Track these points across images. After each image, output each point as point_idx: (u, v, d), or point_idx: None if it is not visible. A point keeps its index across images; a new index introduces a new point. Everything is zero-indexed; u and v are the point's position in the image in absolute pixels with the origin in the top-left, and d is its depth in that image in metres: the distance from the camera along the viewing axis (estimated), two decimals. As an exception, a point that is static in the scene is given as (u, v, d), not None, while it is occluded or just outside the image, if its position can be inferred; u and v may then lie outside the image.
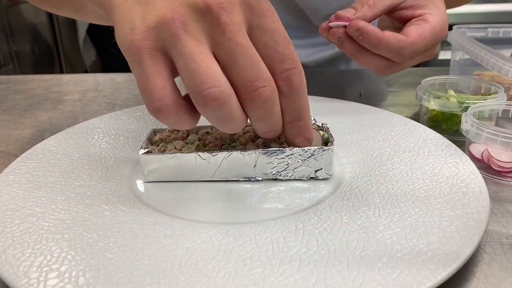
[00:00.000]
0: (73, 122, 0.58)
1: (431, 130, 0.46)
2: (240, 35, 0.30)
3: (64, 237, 0.31)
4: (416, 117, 0.55)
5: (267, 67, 0.32)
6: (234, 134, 0.41)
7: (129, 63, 0.32)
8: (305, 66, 0.85)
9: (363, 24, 0.44)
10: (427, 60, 0.51)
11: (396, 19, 0.51)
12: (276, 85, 0.32)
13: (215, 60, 0.30)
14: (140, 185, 0.39)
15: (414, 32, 0.46)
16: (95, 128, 0.49)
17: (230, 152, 0.38)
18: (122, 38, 0.31)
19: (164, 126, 0.44)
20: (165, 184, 0.39)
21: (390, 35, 0.45)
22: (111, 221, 0.33)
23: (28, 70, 2.03)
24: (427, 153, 0.42)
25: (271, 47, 0.32)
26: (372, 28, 0.45)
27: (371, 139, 0.45)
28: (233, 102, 0.30)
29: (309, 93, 0.58)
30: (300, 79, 0.33)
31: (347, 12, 0.46)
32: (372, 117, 0.50)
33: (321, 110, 0.53)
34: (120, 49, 0.32)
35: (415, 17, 0.49)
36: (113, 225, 0.32)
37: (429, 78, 0.53)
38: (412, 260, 0.28)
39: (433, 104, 0.49)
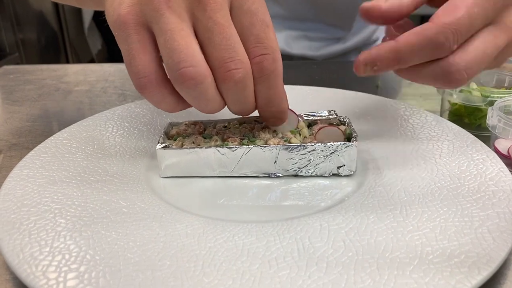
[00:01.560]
0: (85, 113, 0.57)
1: (454, 124, 0.44)
2: (220, 14, 0.30)
3: (82, 235, 0.30)
4: (436, 110, 0.54)
5: (245, 49, 0.31)
6: (253, 129, 0.40)
7: (116, 39, 0.32)
8: (312, 59, 0.84)
9: (366, 54, 0.33)
10: None
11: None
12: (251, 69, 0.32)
13: (195, 39, 0.31)
14: (157, 180, 0.38)
15: (444, 7, 0.32)
16: (108, 121, 0.48)
17: (250, 147, 0.36)
18: (110, 13, 0.32)
19: (180, 119, 0.43)
20: (182, 180, 0.38)
21: (407, 35, 0.32)
22: (129, 218, 0.32)
23: (34, 58, 2.02)
24: (452, 149, 0.40)
25: (247, 28, 0.31)
26: (380, 48, 0.33)
27: (392, 133, 0.44)
28: (209, 82, 0.31)
29: (324, 85, 0.57)
30: (274, 66, 0.32)
31: (376, 2, 0.34)
32: (392, 111, 0.49)
33: (338, 103, 0.51)
34: (109, 25, 0.33)
35: None
36: (132, 223, 0.31)
37: (451, 71, 0.52)
38: (444, 263, 0.27)
39: (455, 98, 0.48)
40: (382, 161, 0.39)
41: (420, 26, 0.32)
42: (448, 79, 0.32)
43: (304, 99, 0.53)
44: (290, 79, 0.57)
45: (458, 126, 0.44)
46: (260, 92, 0.33)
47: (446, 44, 0.31)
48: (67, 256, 0.28)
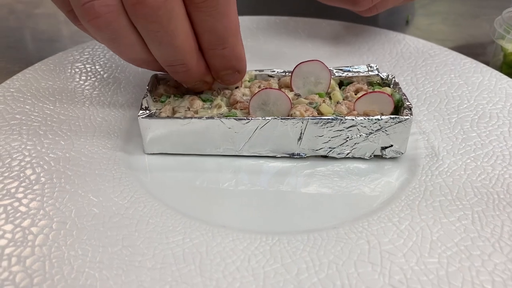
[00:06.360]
0: (46, 49, 0.45)
1: (518, 84, 0.35)
2: None
3: (36, 255, 0.21)
4: (482, 56, 0.44)
5: None
6: (269, 86, 0.30)
7: None
8: None
9: None
10: None
11: None
12: None
13: None
14: (140, 158, 0.28)
15: None
16: (75, 63, 0.37)
17: (267, 120, 0.27)
18: None
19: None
20: (173, 158, 0.29)
21: None
22: (103, 226, 0.23)
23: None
24: (522, 120, 0.31)
25: None
26: None
27: (443, 94, 0.34)
28: (122, 20, 0.24)
29: (339, 16, 0.46)
30: None
31: None
32: (437, 61, 0.38)
33: (361, 45, 0.41)
34: None
35: None
36: (105, 232, 0.23)
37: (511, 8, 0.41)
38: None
39: (519, 47, 0.38)
40: (435, 137, 0.30)
41: None
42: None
43: (323, 38, 0.42)
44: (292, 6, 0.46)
45: (523, 87, 0.35)
46: (203, 24, 0.25)
47: None
48: (11, 294, 0.19)
